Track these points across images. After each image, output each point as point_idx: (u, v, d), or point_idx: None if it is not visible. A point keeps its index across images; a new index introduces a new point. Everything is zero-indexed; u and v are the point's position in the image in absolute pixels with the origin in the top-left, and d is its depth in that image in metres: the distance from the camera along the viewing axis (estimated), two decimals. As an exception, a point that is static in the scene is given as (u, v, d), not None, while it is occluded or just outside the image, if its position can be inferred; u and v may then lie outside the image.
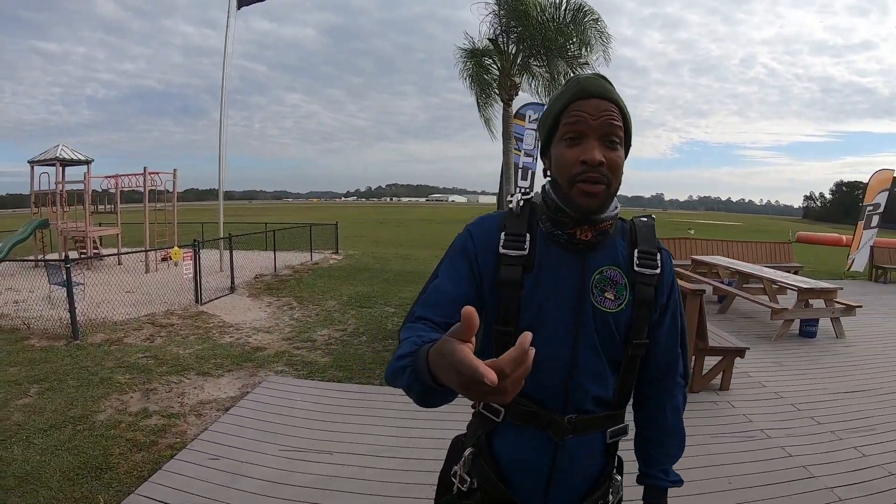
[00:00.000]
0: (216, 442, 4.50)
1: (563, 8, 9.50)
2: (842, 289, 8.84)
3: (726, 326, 8.40)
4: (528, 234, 1.42)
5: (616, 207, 1.44)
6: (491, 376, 0.76)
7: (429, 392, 1.08)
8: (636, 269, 1.44)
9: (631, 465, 1.65)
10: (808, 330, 8.46)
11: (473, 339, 0.87)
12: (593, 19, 9.53)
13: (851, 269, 16.26)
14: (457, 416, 1.99)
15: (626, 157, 1.40)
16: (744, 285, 10.40)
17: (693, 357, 5.69)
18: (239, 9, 15.61)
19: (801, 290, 8.35)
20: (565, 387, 1.41)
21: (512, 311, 1.40)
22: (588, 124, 1.32)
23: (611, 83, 1.39)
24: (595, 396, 1.43)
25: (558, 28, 9.42)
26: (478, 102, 10.54)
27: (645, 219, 1.55)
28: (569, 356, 1.40)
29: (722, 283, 10.87)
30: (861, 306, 8.74)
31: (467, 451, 1.52)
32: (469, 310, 0.83)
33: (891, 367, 7.00)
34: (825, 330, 8.58)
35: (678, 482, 1.63)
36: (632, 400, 1.61)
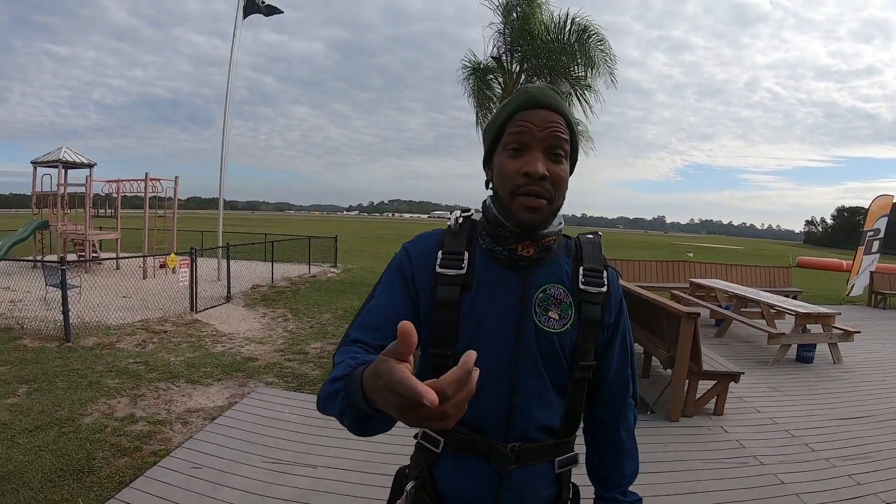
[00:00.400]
0: (200, 451, 4.44)
1: (568, 29, 9.53)
2: (840, 314, 8.80)
3: (723, 350, 8.36)
4: (466, 253, 1.36)
5: (560, 223, 1.39)
6: (431, 397, 0.69)
7: (363, 418, 0.99)
8: (581, 287, 1.38)
9: (585, 491, 1.58)
10: (805, 355, 8.40)
11: (412, 358, 0.79)
12: (598, 40, 9.56)
13: (851, 295, 16.22)
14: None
15: (571, 173, 1.35)
16: (741, 309, 10.36)
17: (687, 381, 5.65)
18: (245, 17, 15.70)
19: (798, 315, 8.30)
20: (507, 412, 1.34)
21: (450, 332, 1.33)
22: (533, 135, 1.27)
23: (560, 95, 1.36)
24: (540, 423, 1.36)
25: (562, 48, 9.45)
26: (477, 117, 10.55)
27: (591, 235, 1.49)
28: (509, 379, 1.33)
29: (720, 306, 10.83)
30: (859, 332, 8.70)
31: (409, 485, 1.43)
32: (406, 325, 0.76)
33: (888, 394, 6.95)
34: (823, 355, 8.53)
35: (638, 501, 1.57)
36: (583, 424, 1.55)
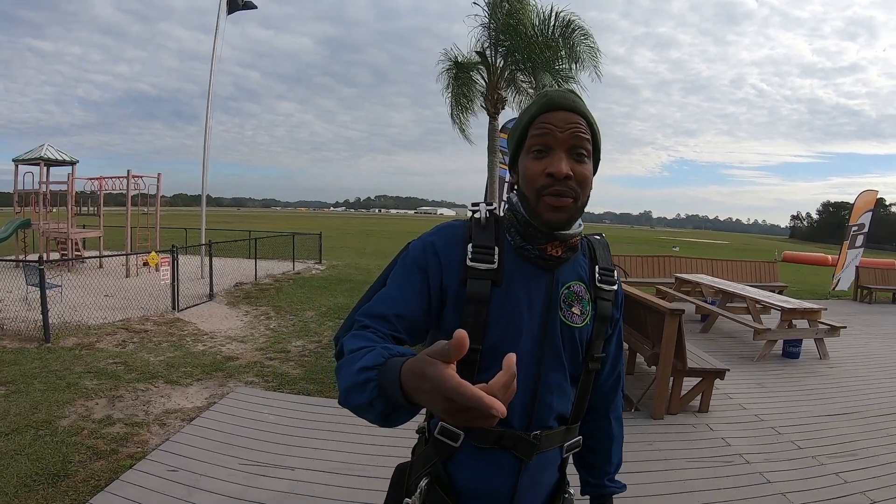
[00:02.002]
0: (177, 453, 4.36)
1: (553, 23, 9.49)
2: (826, 309, 8.79)
3: (708, 346, 8.36)
4: (496, 247, 1.36)
5: (580, 225, 1.41)
6: (499, 408, 0.72)
7: (393, 410, 0.99)
8: (598, 284, 1.46)
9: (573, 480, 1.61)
10: (791, 351, 8.40)
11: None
12: (582, 34, 9.52)
13: (836, 289, 16.32)
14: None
15: (595, 172, 1.38)
16: (727, 304, 10.35)
17: (671, 378, 5.62)
18: (229, 13, 15.55)
19: (784, 310, 8.31)
20: (531, 403, 1.37)
21: (478, 327, 1.32)
22: (555, 137, 1.29)
23: (580, 97, 1.37)
24: (557, 412, 1.41)
25: (546, 42, 9.41)
26: (452, 111, 10.51)
27: (598, 237, 1.56)
28: (535, 372, 1.36)
29: (705, 301, 10.81)
30: (845, 327, 8.72)
31: (423, 482, 1.41)
32: (461, 333, 0.76)
33: (874, 390, 6.94)
34: (809, 350, 8.54)
35: (622, 487, 1.68)
36: None
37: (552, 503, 1.51)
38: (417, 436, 1.56)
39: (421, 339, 1.39)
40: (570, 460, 1.63)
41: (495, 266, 1.34)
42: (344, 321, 1.33)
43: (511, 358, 0.77)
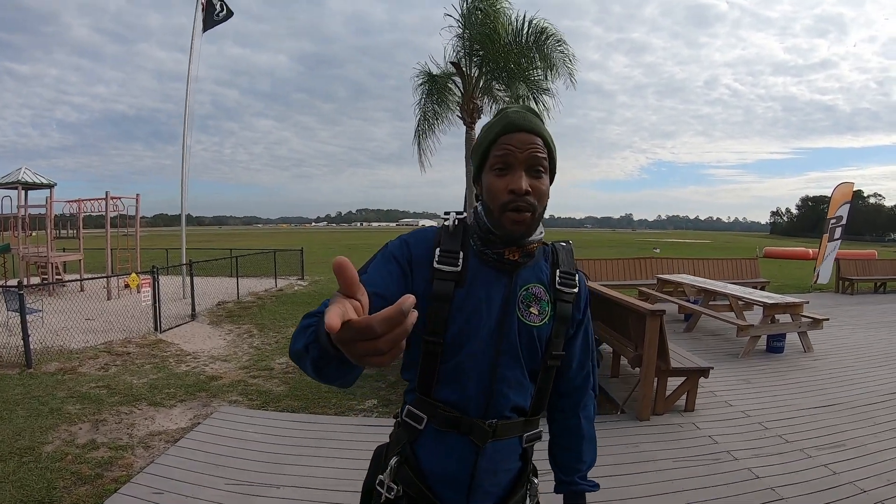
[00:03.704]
0: (162, 475, 4.29)
1: (526, 31, 9.53)
2: (808, 302, 8.84)
3: (693, 345, 8.38)
4: (461, 252, 1.51)
5: (541, 232, 1.56)
6: (330, 322, 0.75)
7: (324, 357, 1.07)
8: (558, 287, 1.58)
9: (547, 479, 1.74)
10: (775, 345, 8.44)
11: (363, 297, 0.87)
12: (556, 41, 9.56)
13: (818, 282, 16.41)
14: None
15: (551, 183, 1.53)
16: (710, 303, 10.38)
17: (656, 379, 5.61)
18: (206, 30, 15.53)
19: (766, 306, 8.34)
20: (487, 394, 1.51)
21: (440, 322, 1.47)
22: (515, 156, 1.43)
23: (539, 116, 1.53)
24: (514, 404, 1.54)
25: (520, 50, 9.44)
26: (417, 125, 10.54)
27: (564, 243, 1.68)
28: (491, 366, 1.51)
29: (688, 301, 10.84)
30: (828, 319, 8.77)
31: (393, 460, 1.59)
32: (340, 259, 0.82)
33: (860, 380, 6.98)
34: (793, 345, 8.58)
35: (595, 486, 1.75)
36: (547, 414, 1.75)
37: (515, 490, 1.62)
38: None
39: None
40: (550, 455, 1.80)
41: (458, 269, 1.49)
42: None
43: (406, 298, 0.78)
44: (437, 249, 1.51)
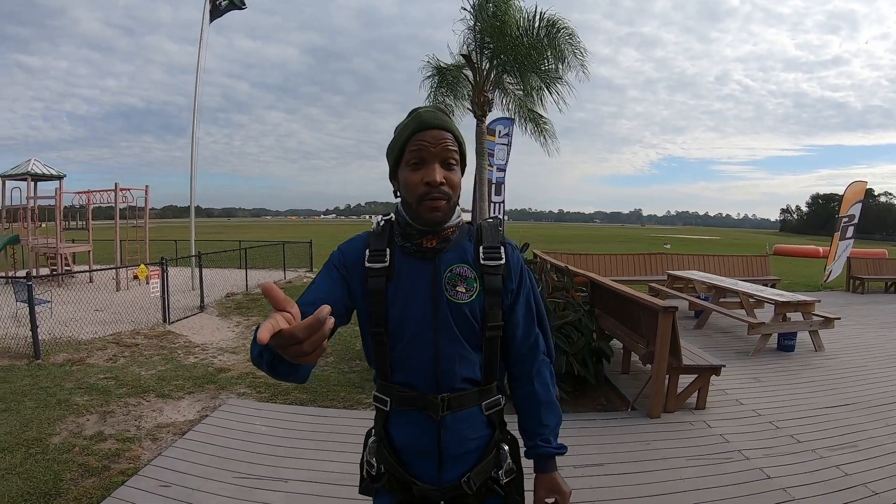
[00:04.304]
0: (169, 468, 4.29)
1: (538, 24, 9.47)
2: (819, 301, 8.75)
3: (703, 342, 8.32)
4: (388, 249, 1.67)
5: (459, 216, 1.71)
6: (261, 336, 0.93)
7: (276, 358, 1.26)
8: (482, 262, 1.68)
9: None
10: (786, 344, 8.37)
11: (292, 308, 1.04)
12: (567, 34, 9.50)
13: (828, 281, 16.29)
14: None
15: (462, 175, 1.67)
16: (720, 300, 10.33)
17: (667, 376, 5.57)
18: (213, 20, 15.52)
19: (778, 304, 8.28)
20: (434, 371, 1.63)
21: (380, 314, 1.64)
22: (429, 151, 1.57)
23: (448, 115, 1.67)
24: (463, 376, 1.66)
25: (532, 43, 9.38)
26: None
27: (491, 220, 1.83)
28: (433, 344, 1.63)
29: (698, 297, 10.78)
30: (839, 318, 8.69)
31: (371, 440, 1.78)
32: (267, 285, 1.02)
33: (872, 380, 6.91)
34: (804, 343, 8.50)
35: (562, 448, 1.80)
36: (507, 384, 1.87)
37: (484, 455, 1.72)
38: None
39: (346, 322, 1.70)
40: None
41: (386, 264, 1.65)
42: None
43: (322, 308, 0.98)
44: (367, 250, 1.67)
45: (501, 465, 1.75)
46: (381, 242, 1.68)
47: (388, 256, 1.66)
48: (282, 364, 1.28)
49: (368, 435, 1.83)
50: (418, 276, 1.65)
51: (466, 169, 1.71)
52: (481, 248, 1.70)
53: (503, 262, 1.70)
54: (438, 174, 1.56)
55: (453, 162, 1.60)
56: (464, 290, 1.65)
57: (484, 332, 1.67)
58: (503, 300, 1.71)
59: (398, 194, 1.70)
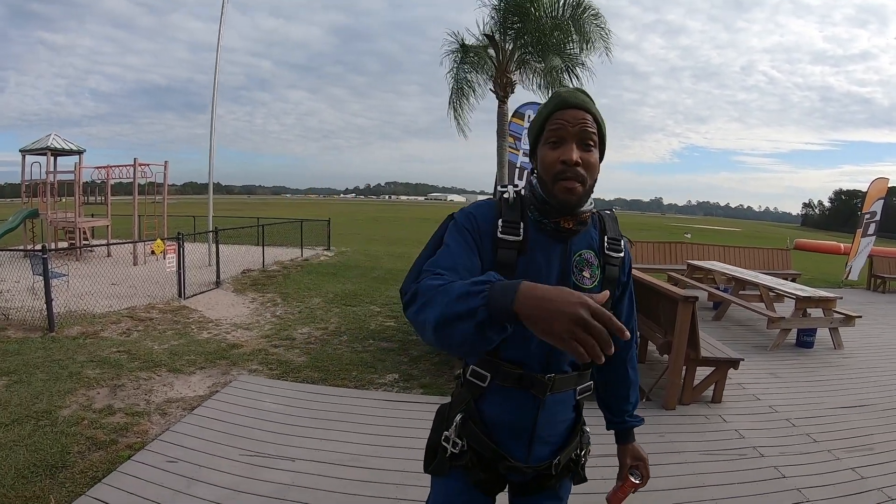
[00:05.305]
0: (177, 444, 4.28)
1: (562, 4, 9.33)
2: (841, 298, 8.60)
3: (721, 334, 8.23)
4: (521, 222, 1.63)
5: (591, 203, 1.67)
6: (619, 334, 1.03)
7: (491, 322, 1.14)
8: (606, 252, 1.72)
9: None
10: (805, 340, 8.24)
11: None
12: (593, 15, 9.36)
13: (849, 277, 16.10)
14: (425, 425, 1.94)
15: (601, 159, 1.65)
16: (740, 292, 10.20)
17: (684, 368, 5.50)
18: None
19: (798, 299, 8.16)
20: (547, 352, 1.64)
21: None
22: (567, 130, 1.55)
23: (589, 96, 1.64)
24: (570, 360, 1.68)
25: (556, 24, 9.26)
26: (451, 95, 10.36)
27: (609, 212, 1.81)
28: None
29: (717, 288, 10.67)
30: (860, 316, 8.53)
31: (458, 417, 1.75)
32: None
33: (891, 382, 6.76)
34: (823, 340, 8.36)
35: (641, 420, 2.00)
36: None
37: (571, 438, 1.80)
38: (454, 385, 1.92)
39: None
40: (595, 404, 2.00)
41: (521, 238, 1.62)
42: (407, 275, 1.61)
43: (604, 294, 1.10)
44: (500, 220, 1.63)
45: (583, 447, 1.86)
46: (514, 214, 1.65)
47: (521, 230, 1.63)
48: (496, 326, 1.15)
49: (444, 412, 1.84)
50: (550, 254, 1.65)
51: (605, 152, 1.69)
52: (606, 237, 1.73)
53: (622, 255, 1.76)
54: (575, 153, 1.54)
55: (591, 143, 1.59)
56: (588, 276, 1.68)
57: None
58: (615, 291, 1.75)
59: (536, 171, 1.68)
